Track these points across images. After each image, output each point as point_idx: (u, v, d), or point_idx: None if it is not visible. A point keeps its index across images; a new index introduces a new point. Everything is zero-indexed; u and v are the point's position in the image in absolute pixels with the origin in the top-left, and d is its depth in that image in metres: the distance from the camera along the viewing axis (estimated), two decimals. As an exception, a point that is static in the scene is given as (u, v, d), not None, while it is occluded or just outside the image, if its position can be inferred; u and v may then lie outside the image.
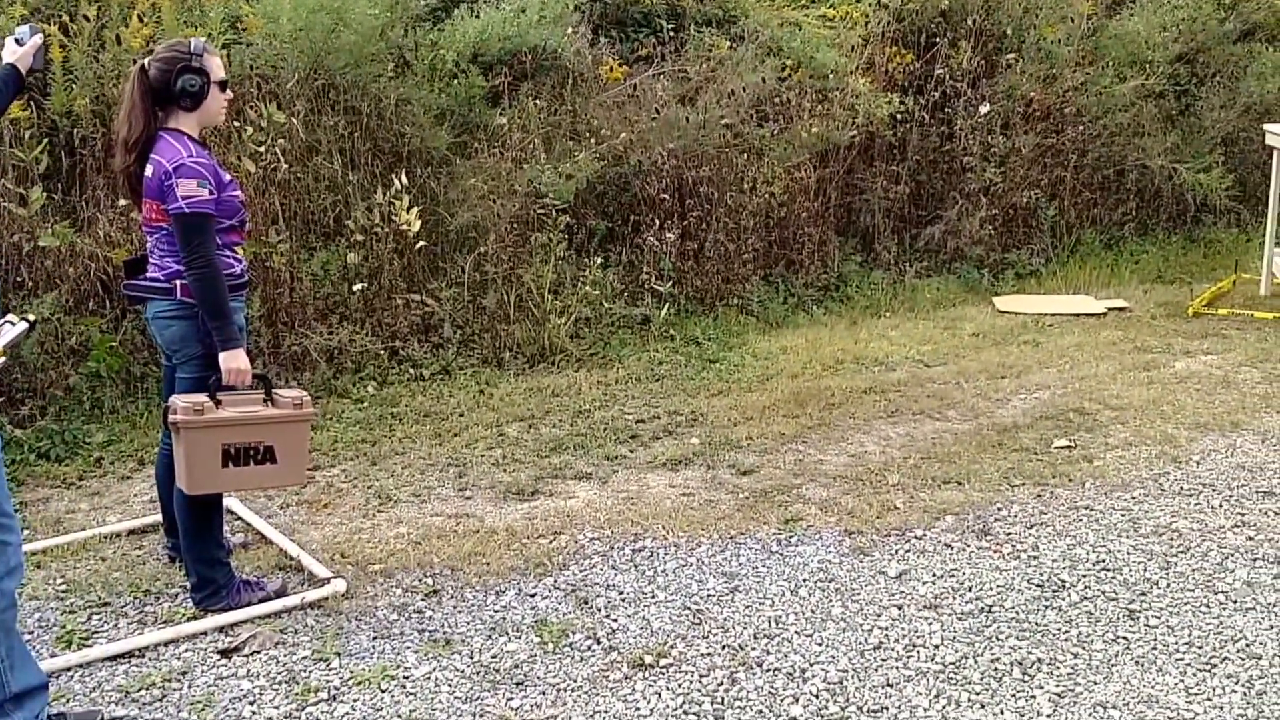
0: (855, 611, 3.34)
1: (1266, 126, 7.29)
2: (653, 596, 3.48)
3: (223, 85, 3.36)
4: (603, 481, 4.42)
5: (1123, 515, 3.94)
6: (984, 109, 7.66)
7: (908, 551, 3.74)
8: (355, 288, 5.63)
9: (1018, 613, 3.30)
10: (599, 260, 6.14)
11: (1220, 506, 3.98)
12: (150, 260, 3.34)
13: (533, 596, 3.51)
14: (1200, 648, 3.06)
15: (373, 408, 5.31)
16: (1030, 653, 3.08)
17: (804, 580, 3.55)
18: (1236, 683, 2.88)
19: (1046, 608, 3.32)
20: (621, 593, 3.50)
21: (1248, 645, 3.05)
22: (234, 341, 3.23)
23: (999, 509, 4.05)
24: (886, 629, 3.23)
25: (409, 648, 3.22)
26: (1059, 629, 3.19)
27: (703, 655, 3.13)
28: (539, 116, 6.21)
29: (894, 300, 7.24)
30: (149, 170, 3.22)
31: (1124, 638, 3.14)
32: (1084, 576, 3.51)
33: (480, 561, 3.75)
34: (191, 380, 3.31)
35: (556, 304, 5.87)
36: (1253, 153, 8.78)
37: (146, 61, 3.28)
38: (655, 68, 6.87)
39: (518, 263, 5.87)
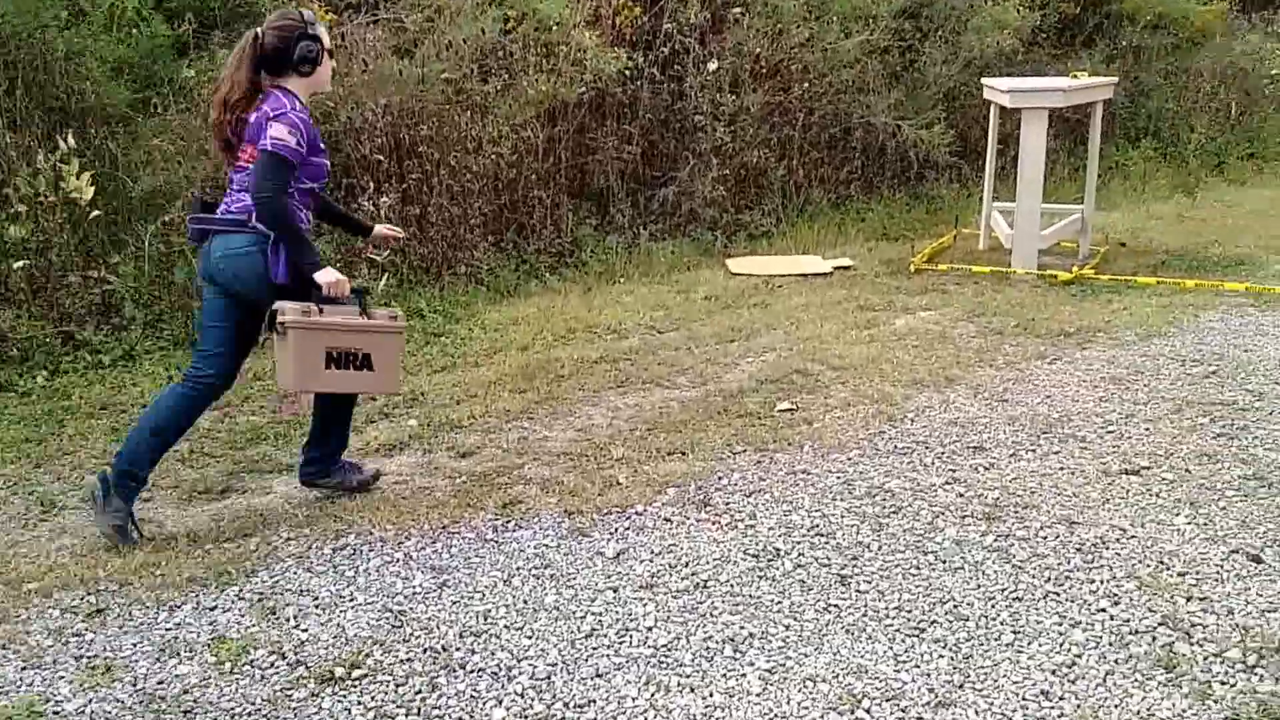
0: (570, 598, 3.12)
1: (985, 81, 7.58)
2: (351, 600, 3.13)
3: (330, 53, 3.61)
4: (302, 473, 4.01)
5: (839, 478, 3.91)
6: (712, 66, 7.60)
7: (628, 529, 3.55)
8: (16, 265, 4.91)
9: (732, 586, 3.17)
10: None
11: (932, 464, 4.02)
12: (228, 199, 3.50)
13: (212, 610, 3.09)
14: (910, 612, 3.03)
15: (41, 402, 4.65)
16: (743, 627, 2.95)
17: (519, 569, 3.30)
18: (944, 646, 2.85)
19: (761, 578, 3.21)
20: (316, 598, 3.14)
21: (955, 607, 3.04)
22: (319, 261, 3.48)
23: (720, 478, 3.94)
24: (600, 614, 3.03)
25: (63, 678, 2.77)
26: (772, 600, 3.09)
27: (401, 661, 2.83)
28: (234, 69, 5.60)
29: (629, 265, 7.10)
30: (252, 118, 3.44)
31: (835, 605, 3.06)
32: (799, 544, 3.43)
33: (154, 573, 3.29)
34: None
35: (258, 277, 5.33)
36: (973, 108, 9.17)
37: (260, 29, 3.47)
38: (367, 15, 6.38)
39: (210, 232, 5.28)
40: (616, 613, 3.04)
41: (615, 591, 3.15)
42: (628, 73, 7.32)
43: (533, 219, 6.87)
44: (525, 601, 3.10)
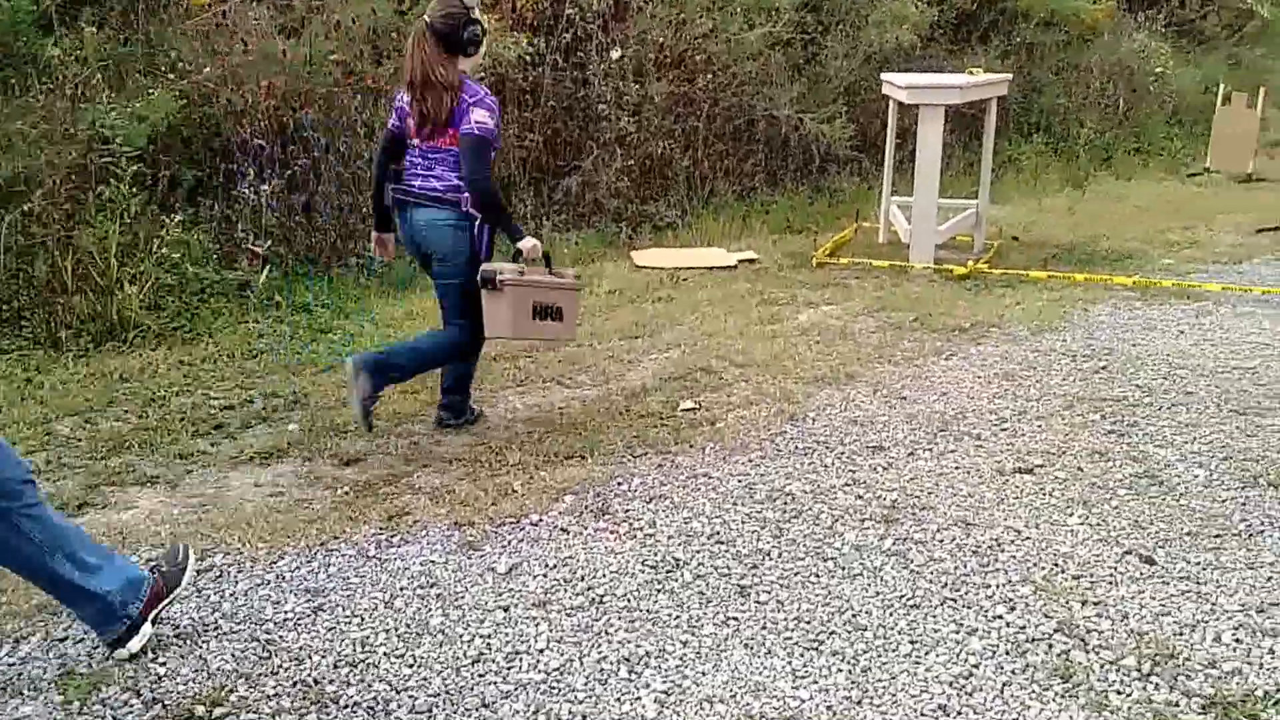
0: (456, 620, 2.97)
1: (884, 76, 7.60)
2: (215, 629, 2.94)
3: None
4: (172, 485, 3.77)
5: (740, 481, 3.84)
6: (615, 54, 7.47)
7: (521, 541, 3.42)
8: None
9: (629, 601, 3.07)
10: (180, 217, 5.33)
11: (833, 465, 3.97)
12: (427, 175, 4.00)
13: (61, 642, 2.86)
14: (809, 623, 2.96)
15: (-115, 407, 4.32)
16: (639, 646, 2.85)
17: (402, 589, 3.14)
18: (842, 660, 2.79)
19: (659, 591, 3.11)
20: (176, 627, 2.93)
21: (854, 616, 2.99)
22: (522, 231, 4.14)
23: (620, 483, 3.83)
24: (489, 637, 2.89)
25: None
26: (670, 615, 2.99)
27: (268, 697, 2.65)
28: (103, 47, 5.28)
29: (529, 256, 6.93)
30: (447, 105, 3.89)
31: (734, 618, 2.98)
32: (698, 553, 3.34)
33: None
34: (455, 287, 4.09)
35: (128, 270, 5.03)
36: (873, 102, 9.21)
37: (428, 18, 3.89)
38: (250, -7, 6.11)
39: (76, 221, 4.96)
40: (506, 634, 2.90)
41: (506, 611, 3.01)
42: (528, 58, 7.14)
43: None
44: (408, 625, 2.95)
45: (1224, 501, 3.58)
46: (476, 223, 3.99)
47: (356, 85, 6.23)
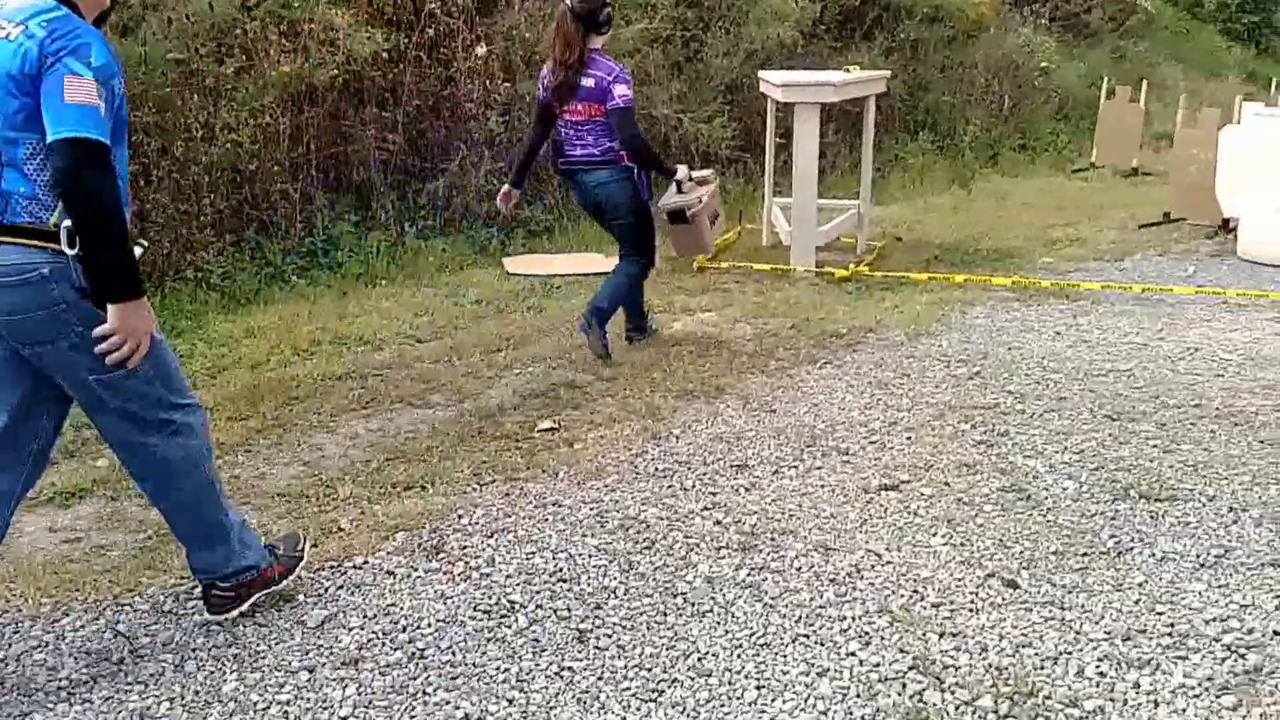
0: (253, 685, 2.64)
1: (761, 74, 7.41)
2: (-29, 705, 2.57)
3: None
4: (-52, 536, 3.37)
5: (592, 509, 3.57)
6: (480, 50, 7.15)
7: (340, 588, 3.10)
8: None
9: (454, 653, 2.77)
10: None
11: (693, 487, 3.73)
12: (583, 144, 4.79)
13: None
14: (650, 670, 2.71)
15: None
16: (458, 708, 2.56)
17: (196, 649, 2.79)
18: (683, 712, 2.54)
19: (489, 641, 2.83)
20: (-72, 704, 2.56)
21: (700, 659, 2.74)
22: (670, 167, 5.07)
23: (461, 516, 3.53)
24: (287, 704, 2.57)
25: None
26: (498, 668, 2.71)
27: (19, 791, 2.30)
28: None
29: (392, 266, 6.58)
30: (589, 81, 4.64)
31: (569, 668, 2.71)
32: (538, 593, 3.06)
33: None
34: (629, 226, 4.98)
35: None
36: (755, 100, 9.03)
37: (568, 2, 4.57)
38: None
39: None
40: (308, 700, 2.59)
41: (311, 672, 2.70)
42: (387, 55, 6.79)
43: (278, 215, 6.25)
44: (196, 693, 2.61)
45: (1093, 516, 3.43)
46: (635, 172, 4.87)
47: (196, 85, 5.80)
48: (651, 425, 4.27)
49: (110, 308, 2.47)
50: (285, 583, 2.99)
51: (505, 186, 5.23)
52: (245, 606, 2.89)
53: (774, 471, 3.83)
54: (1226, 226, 7.51)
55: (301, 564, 3.05)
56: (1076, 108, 12.43)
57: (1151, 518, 3.40)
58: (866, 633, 2.84)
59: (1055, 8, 13.96)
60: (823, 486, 3.71)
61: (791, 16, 9.46)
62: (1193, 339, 5.26)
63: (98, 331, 2.48)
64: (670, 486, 3.74)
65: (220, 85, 5.87)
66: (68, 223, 2.43)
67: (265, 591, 2.94)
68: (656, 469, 3.88)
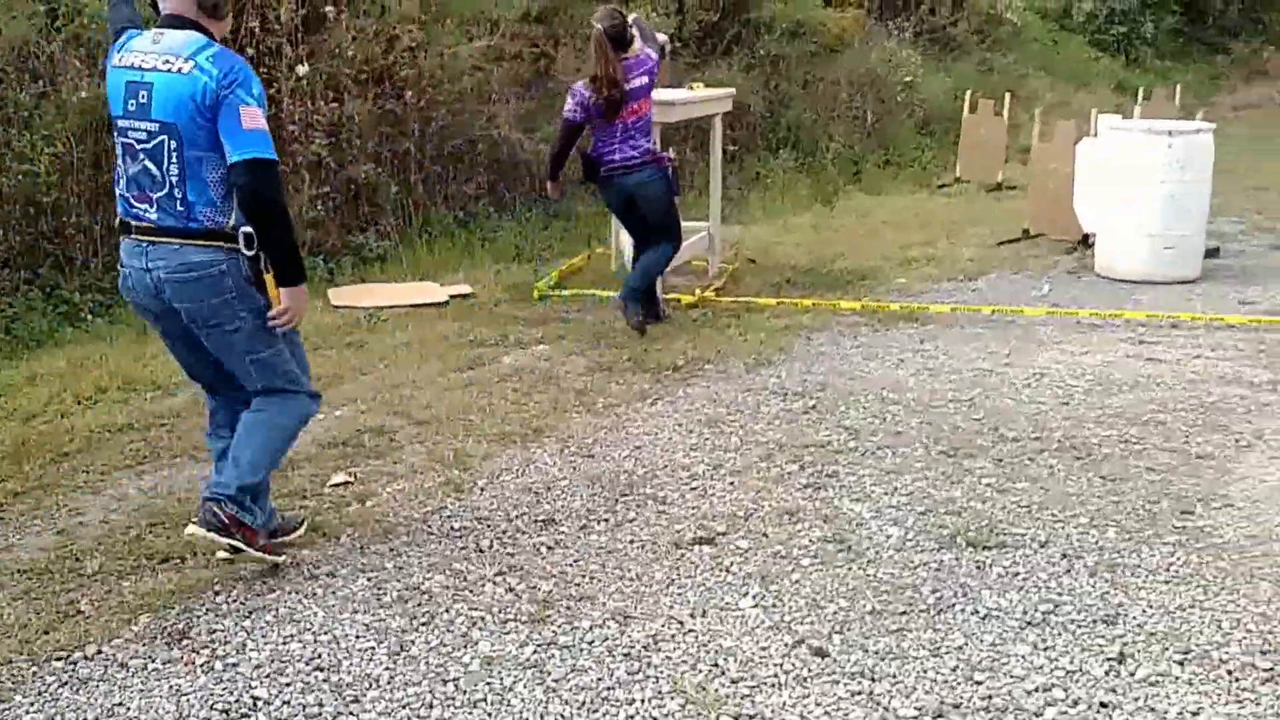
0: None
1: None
2: None
3: None
4: None
5: (370, 579, 3.17)
6: (301, 70, 6.70)
7: (63, 686, 2.65)
8: None
9: (169, 774, 2.36)
10: None
11: (490, 549, 3.36)
12: (624, 145, 5.43)
13: None
14: (399, 781, 2.33)
15: None
16: (159, 847, 2.14)
17: None
18: (427, 833, 2.17)
19: (216, 754, 2.42)
20: None
21: (458, 764, 2.38)
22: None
23: (217, 592, 3.10)
24: None
25: None
26: (219, 791, 2.30)
27: None
28: None
29: (203, 300, 6.07)
30: (638, 82, 5.38)
31: (305, 786, 2.32)
32: (287, 686, 2.66)
33: None
34: (659, 220, 5.64)
35: None
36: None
37: (601, 26, 5.29)
38: None
39: None
40: None
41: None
42: (199, 77, 6.28)
43: (75, 249, 5.70)
44: None
45: (915, 568, 3.16)
46: (669, 170, 5.56)
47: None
48: (456, 476, 3.89)
49: (281, 290, 3.05)
50: (254, 552, 3.12)
51: (550, 183, 5.98)
52: (224, 541, 3.07)
53: (581, 526, 3.49)
54: (1085, 242, 7.46)
55: (280, 560, 3.24)
56: (941, 122, 12.44)
57: (978, 568, 3.15)
58: (655, 719, 2.51)
59: (921, 21, 14.04)
60: (632, 542, 3.38)
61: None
62: (1041, 363, 5.10)
63: (272, 311, 3.06)
64: (464, 548, 3.36)
65: (17, 111, 5.31)
66: (246, 227, 2.96)
67: (235, 543, 3.07)
68: (452, 528, 3.50)
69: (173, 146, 2.92)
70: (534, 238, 7.87)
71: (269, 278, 3.03)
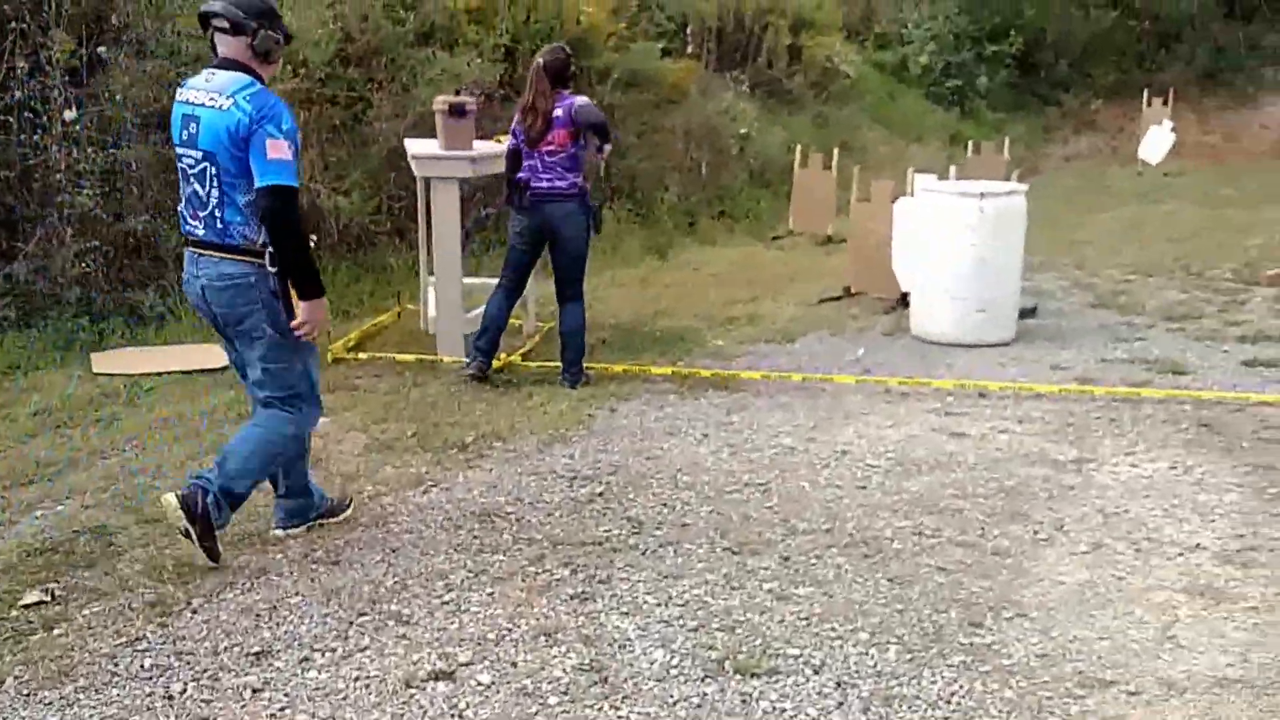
0: None
1: (407, 142, 6.64)
2: None
3: None
4: None
5: (20, 743, 2.64)
6: (69, 115, 6.06)
7: None
8: None
9: None
10: None
11: (181, 694, 2.82)
12: (551, 175, 5.44)
13: None
14: None
15: None
16: None
17: None
18: None
19: None
20: None
21: None
22: None
23: None
24: None
25: None
26: None
27: None
28: None
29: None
30: (559, 112, 5.39)
31: None
32: None
33: None
34: (575, 257, 5.66)
35: None
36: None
37: (544, 61, 5.43)
38: None
39: None
40: None
41: None
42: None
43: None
44: None
45: (674, 704, 2.78)
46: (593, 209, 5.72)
47: None
48: (170, 594, 3.36)
49: (301, 304, 3.44)
50: (198, 547, 3.45)
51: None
52: (184, 526, 3.43)
53: (302, 659, 3.00)
54: (904, 301, 7.35)
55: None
56: (777, 174, 12.39)
57: (743, 702, 2.80)
58: None
59: (758, 73, 14.04)
60: (357, 679, 2.91)
61: (468, 78, 8.82)
62: (844, 439, 4.85)
63: (293, 324, 3.46)
64: (150, 695, 2.84)
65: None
66: (271, 247, 3.38)
67: (191, 535, 3.44)
68: (143, 667, 2.96)
69: (213, 172, 3.38)
70: (342, 292, 7.33)
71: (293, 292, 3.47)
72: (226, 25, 3.40)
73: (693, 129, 11.64)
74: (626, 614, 3.24)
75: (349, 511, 3.91)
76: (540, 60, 5.45)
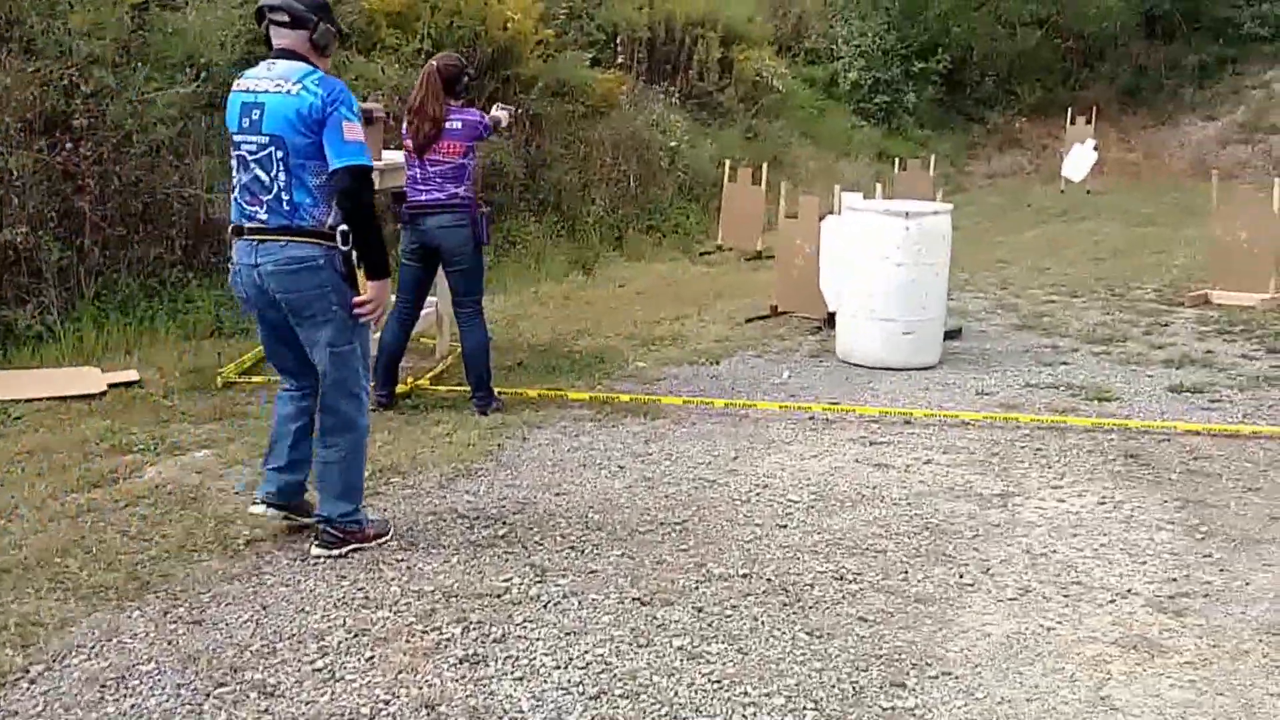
0: None
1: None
2: None
3: None
4: None
5: None
6: None
7: None
8: None
9: None
10: None
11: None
12: (430, 186, 5.16)
13: None
14: None
15: None
16: None
17: None
18: None
19: None
20: None
21: None
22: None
23: None
24: None
25: None
26: None
27: None
28: None
29: None
30: (456, 124, 5.15)
31: None
32: None
33: None
34: (465, 271, 5.27)
35: None
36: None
37: (438, 64, 5.18)
38: None
39: None
40: None
41: None
42: None
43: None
44: None
45: (564, 788, 2.51)
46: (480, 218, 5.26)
47: None
48: (9, 658, 2.98)
49: (370, 283, 3.57)
50: (376, 543, 3.72)
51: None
52: (344, 550, 3.64)
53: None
54: (831, 322, 7.17)
55: (386, 537, 3.80)
56: (707, 188, 12.21)
57: (642, 783, 2.53)
58: None
59: (689, 86, 13.85)
60: (207, 765, 2.58)
61: (384, 86, 8.49)
62: (766, 470, 4.61)
63: (358, 299, 3.55)
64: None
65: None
66: (343, 226, 3.48)
67: (358, 546, 3.68)
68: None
69: (279, 156, 3.43)
70: (239, 310, 6.93)
71: (360, 273, 3.55)
72: (286, 19, 3.48)
73: (621, 141, 11.39)
74: (520, 679, 2.94)
75: (387, 535, 3.84)
76: (435, 64, 5.19)
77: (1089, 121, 17.15)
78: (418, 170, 5.20)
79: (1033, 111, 19.95)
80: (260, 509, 3.76)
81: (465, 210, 5.18)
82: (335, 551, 3.61)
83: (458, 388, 5.63)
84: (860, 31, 17.80)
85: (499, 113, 5.66)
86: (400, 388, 5.59)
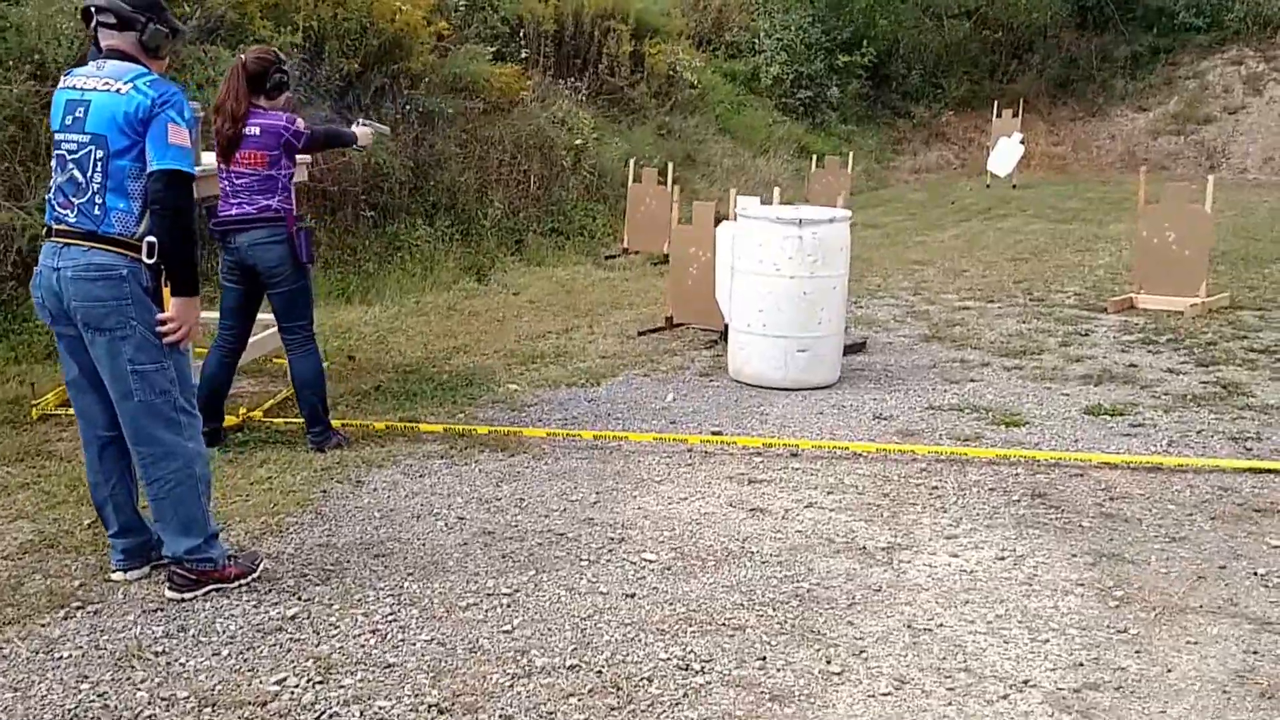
0: None
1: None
2: None
3: None
4: None
5: None
6: None
7: None
8: None
9: None
10: None
11: None
12: (239, 199, 4.61)
13: None
14: None
15: None
16: None
17: None
18: None
19: None
20: None
21: None
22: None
23: None
24: None
25: None
26: None
27: None
28: None
29: None
30: (254, 130, 4.56)
31: None
32: None
33: None
34: (286, 294, 4.68)
35: None
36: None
37: (246, 59, 4.61)
38: None
39: None
40: None
41: None
42: None
43: None
44: None
45: None
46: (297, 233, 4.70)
47: None
48: None
49: (174, 300, 3.32)
50: (237, 584, 3.44)
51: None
52: (200, 592, 3.38)
53: None
54: (726, 336, 6.65)
55: (254, 576, 3.50)
56: (615, 188, 11.62)
57: None
58: None
59: (599, 81, 13.26)
60: None
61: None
62: (626, 518, 4.05)
63: (161, 316, 3.30)
64: None
65: None
66: (150, 237, 3.27)
67: (217, 586, 3.41)
68: None
69: (99, 156, 3.24)
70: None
71: (166, 290, 3.32)
72: (113, 20, 3.30)
73: (523, 139, 10.77)
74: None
75: (256, 573, 3.53)
76: (241, 58, 4.68)
77: (1016, 115, 16.87)
78: (226, 182, 4.67)
79: (960, 105, 19.67)
80: (121, 575, 3.50)
81: (279, 225, 4.61)
82: (188, 594, 3.36)
83: (296, 419, 5.00)
84: (783, 25, 17.34)
85: (361, 129, 5.21)
86: (231, 420, 4.96)
